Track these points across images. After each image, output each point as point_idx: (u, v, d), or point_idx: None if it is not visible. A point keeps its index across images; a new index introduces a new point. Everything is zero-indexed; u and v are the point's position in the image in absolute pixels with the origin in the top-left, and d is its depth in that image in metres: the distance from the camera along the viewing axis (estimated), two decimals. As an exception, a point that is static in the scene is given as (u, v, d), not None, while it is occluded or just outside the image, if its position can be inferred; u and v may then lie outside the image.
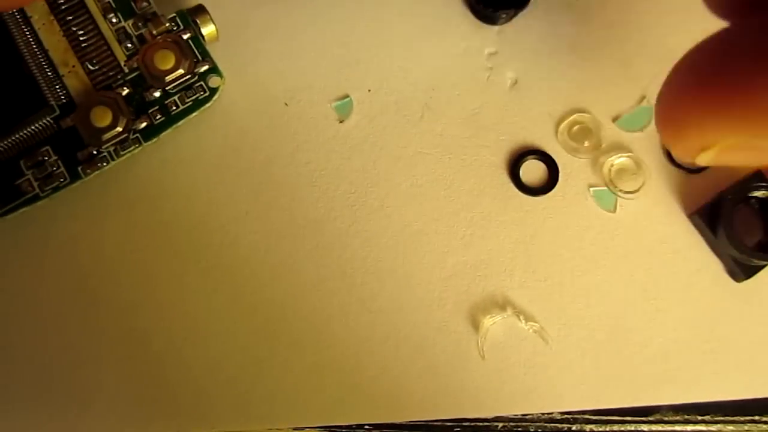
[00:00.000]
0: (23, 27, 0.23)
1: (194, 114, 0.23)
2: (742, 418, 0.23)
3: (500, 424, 0.23)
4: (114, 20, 0.23)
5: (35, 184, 0.22)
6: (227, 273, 0.23)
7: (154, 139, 0.23)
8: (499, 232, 0.24)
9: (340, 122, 0.25)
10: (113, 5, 0.23)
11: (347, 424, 0.23)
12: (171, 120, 0.23)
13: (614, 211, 0.24)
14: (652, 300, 0.24)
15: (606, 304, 0.23)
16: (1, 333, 0.23)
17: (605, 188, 0.25)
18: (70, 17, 0.23)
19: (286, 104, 0.25)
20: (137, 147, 0.23)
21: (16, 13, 0.23)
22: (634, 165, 0.25)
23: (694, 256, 0.24)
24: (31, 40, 0.23)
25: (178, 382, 0.22)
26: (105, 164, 0.23)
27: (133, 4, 0.23)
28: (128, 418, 0.22)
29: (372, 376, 0.23)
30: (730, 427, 0.23)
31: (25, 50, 0.23)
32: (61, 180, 0.22)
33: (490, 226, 0.24)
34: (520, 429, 0.23)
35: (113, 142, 0.22)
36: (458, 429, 0.23)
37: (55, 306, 0.23)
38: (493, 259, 0.24)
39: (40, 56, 0.23)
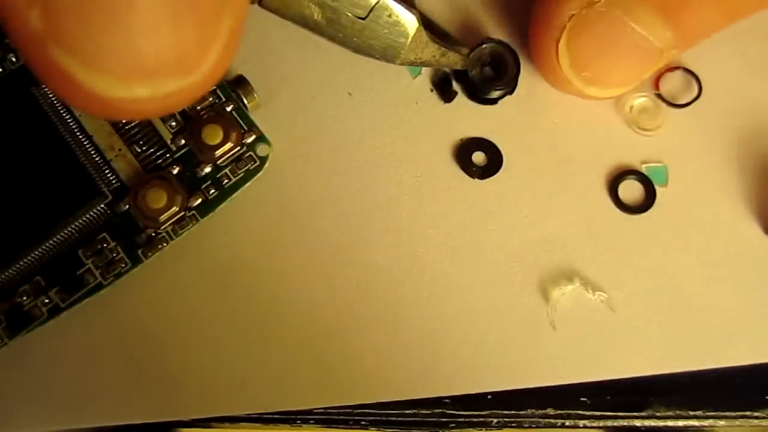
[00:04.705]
0: (64, 115, 0.23)
1: (247, 185, 0.23)
2: (733, 414, 0.24)
3: (494, 420, 0.24)
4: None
5: (97, 272, 0.22)
6: (305, 257, 0.24)
7: (210, 215, 0.23)
8: (561, 209, 0.25)
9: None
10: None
11: (428, 397, 0.23)
12: (225, 193, 0.23)
13: (666, 185, 0.25)
14: (708, 268, 0.24)
15: (667, 273, 0.24)
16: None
17: (658, 164, 0.25)
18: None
19: (349, 94, 0.26)
20: (195, 223, 0.23)
21: (56, 103, 0.22)
22: (653, 105, 0.26)
23: (742, 225, 0.25)
24: (74, 127, 0.22)
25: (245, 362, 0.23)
26: (165, 245, 0.22)
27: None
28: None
29: (448, 351, 0.24)
30: (722, 422, 0.24)
31: (69, 138, 0.22)
32: (123, 265, 0.22)
33: (552, 204, 0.25)
34: (514, 424, 0.24)
35: (171, 222, 0.22)
36: (453, 425, 0.24)
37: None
38: (557, 234, 0.25)
39: (85, 142, 0.22)
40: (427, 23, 0.23)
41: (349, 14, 0.21)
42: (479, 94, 0.26)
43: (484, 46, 0.25)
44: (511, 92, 0.26)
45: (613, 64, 0.23)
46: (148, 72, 0.14)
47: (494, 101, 0.26)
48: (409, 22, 0.22)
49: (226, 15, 0.14)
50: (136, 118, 0.22)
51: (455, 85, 0.26)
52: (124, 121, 0.23)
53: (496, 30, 0.26)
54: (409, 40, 0.22)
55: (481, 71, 0.25)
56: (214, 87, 0.23)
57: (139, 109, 0.15)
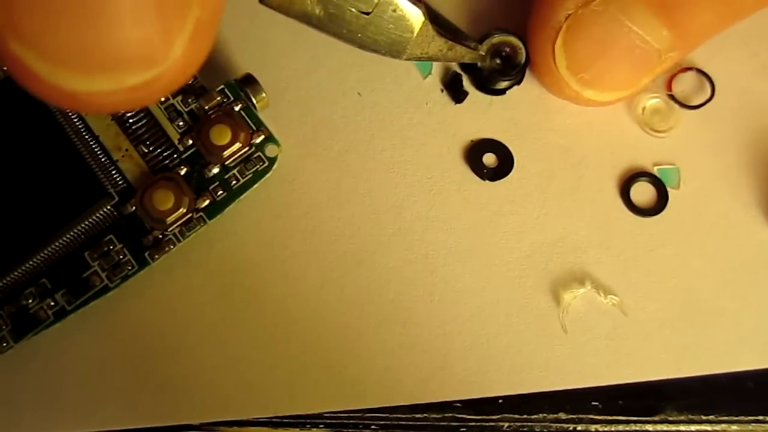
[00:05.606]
0: (71, 115, 0.22)
1: (255, 186, 0.23)
2: (746, 418, 0.24)
3: (506, 424, 0.24)
4: (162, 98, 0.22)
5: (103, 275, 0.22)
6: (314, 259, 0.24)
7: (218, 216, 0.23)
8: (572, 211, 0.25)
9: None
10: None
11: (439, 401, 0.23)
12: (233, 195, 0.23)
13: (678, 187, 0.25)
14: (720, 271, 0.24)
15: (679, 277, 0.24)
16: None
17: (670, 166, 0.25)
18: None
19: (359, 94, 0.25)
20: (202, 225, 0.22)
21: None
22: (665, 106, 0.26)
23: (755, 228, 0.25)
24: (80, 127, 0.22)
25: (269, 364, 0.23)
26: (172, 247, 0.22)
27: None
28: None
29: (459, 354, 0.23)
30: (735, 427, 0.24)
31: (75, 138, 0.22)
32: (130, 268, 0.22)
33: (563, 206, 0.25)
34: (525, 429, 0.24)
35: (178, 223, 0.22)
36: (464, 429, 0.23)
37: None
38: (569, 236, 0.24)
39: (91, 143, 0.22)
40: (433, 17, 0.23)
41: (352, 9, 0.21)
42: (487, 85, 0.25)
43: (492, 35, 0.25)
44: (518, 83, 0.25)
45: (610, 65, 0.23)
46: (109, 65, 0.13)
47: (502, 92, 0.25)
48: (415, 16, 0.21)
49: (194, 6, 0.14)
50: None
51: (464, 80, 0.26)
52: (130, 121, 0.23)
53: (504, 22, 0.26)
54: (415, 34, 0.22)
55: (490, 62, 0.25)
56: (223, 86, 0.23)
57: (105, 102, 0.14)
